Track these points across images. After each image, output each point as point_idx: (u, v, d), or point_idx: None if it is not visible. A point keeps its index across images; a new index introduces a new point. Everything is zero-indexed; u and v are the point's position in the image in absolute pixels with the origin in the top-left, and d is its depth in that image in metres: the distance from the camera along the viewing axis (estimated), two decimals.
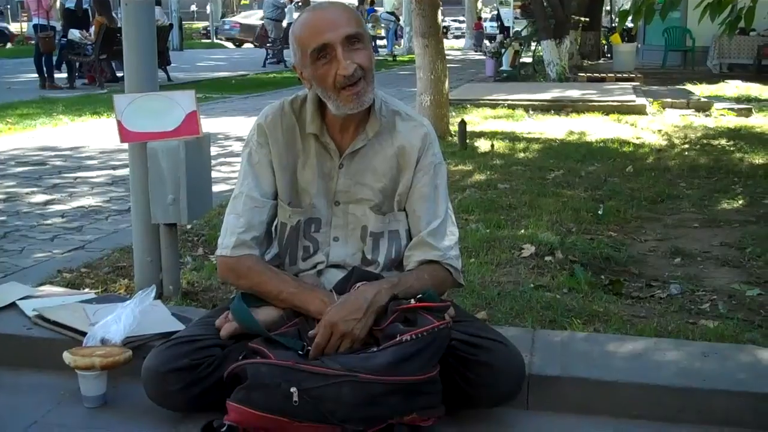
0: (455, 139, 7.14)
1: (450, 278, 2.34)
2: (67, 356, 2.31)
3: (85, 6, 14.46)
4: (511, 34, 17.73)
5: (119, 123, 2.95)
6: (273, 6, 20.65)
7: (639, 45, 19.86)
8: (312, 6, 2.30)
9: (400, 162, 2.34)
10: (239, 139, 8.05)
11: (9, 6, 36.54)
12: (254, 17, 31.11)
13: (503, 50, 15.61)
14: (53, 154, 7.14)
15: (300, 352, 2.07)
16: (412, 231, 2.36)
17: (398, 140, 2.33)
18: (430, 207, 2.34)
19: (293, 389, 1.94)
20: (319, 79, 2.18)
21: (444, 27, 12.82)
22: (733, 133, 8.14)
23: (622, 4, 27.59)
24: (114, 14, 13.59)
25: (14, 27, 31.15)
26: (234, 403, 2.00)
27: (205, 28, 37.32)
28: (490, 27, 32.19)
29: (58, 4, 14.90)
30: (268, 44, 20.84)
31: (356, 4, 23.17)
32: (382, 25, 25.91)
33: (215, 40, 33.37)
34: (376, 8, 27.17)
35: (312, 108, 2.30)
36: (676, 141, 7.73)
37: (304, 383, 1.95)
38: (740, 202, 5.09)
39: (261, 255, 2.34)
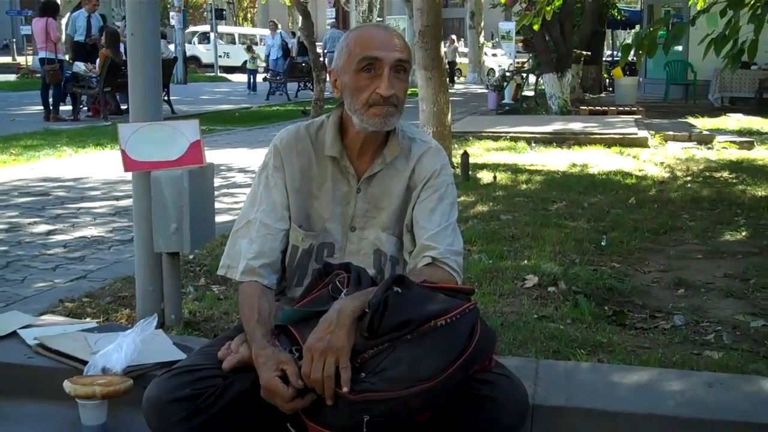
0: (458, 170, 7.16)
1: (453, 280, 2.24)
2: (67, 385, 2.30)
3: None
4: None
5: (123, 152, 2.95)
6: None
7: (641, 78, 19.96)
8: (375, 23, 2.29)
9: (410, 184, 2.33)
10: (242, 170, 8.07)
11: (15, 39, 36.82)
12: None
13: (506, 84, 15.72)
14: (56, 185, 7.16)
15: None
16: (416, 242, 2.30)
17: (412, 163, 2.34)
18: (434, 218, 2.29)
19: (365, 417, 1.93)
20: (355, 89, 2.19)
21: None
22: (735, 166, 8.17)
23: (624, 39, 27.82)
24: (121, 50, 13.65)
25: (20, 60, 31.39)
26: (317, 426, 2.00)
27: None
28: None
29: (64, 36, 14.95)
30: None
31: None
32: None
33: (218, 74, 33.56)
34: None
35: (333, 131, 2.30)
36: (679, 173, 7.75)
37: (373, 410, 1.93)
38: (743, 233, 5.08)
39: (273, 282, 2.32)
